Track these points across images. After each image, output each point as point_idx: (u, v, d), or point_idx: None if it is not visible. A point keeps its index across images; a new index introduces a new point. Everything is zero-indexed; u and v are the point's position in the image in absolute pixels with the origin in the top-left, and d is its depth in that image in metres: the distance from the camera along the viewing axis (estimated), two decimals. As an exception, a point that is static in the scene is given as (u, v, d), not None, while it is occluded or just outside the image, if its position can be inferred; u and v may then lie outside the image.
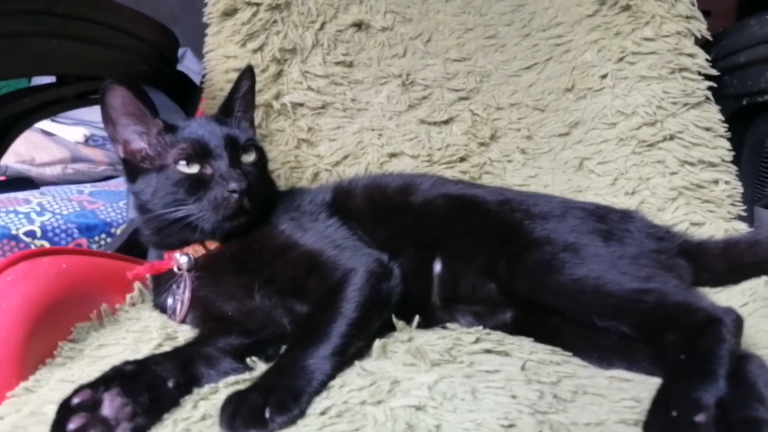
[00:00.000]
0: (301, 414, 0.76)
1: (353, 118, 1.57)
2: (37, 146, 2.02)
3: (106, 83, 1.02)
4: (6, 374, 0.80)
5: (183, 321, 1.04)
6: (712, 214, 1.37)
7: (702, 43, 1.46)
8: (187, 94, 1.67)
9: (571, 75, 1.53)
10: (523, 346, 0.94)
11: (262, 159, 1.14)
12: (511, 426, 0.72)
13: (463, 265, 1.08)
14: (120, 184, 2.02)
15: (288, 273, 1.03)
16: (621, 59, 1.49)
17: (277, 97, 1.54)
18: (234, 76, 1.49)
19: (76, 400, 0.72)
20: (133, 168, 1.08)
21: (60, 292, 0.92)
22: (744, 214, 1.39)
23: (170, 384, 0.80)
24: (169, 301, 1.06)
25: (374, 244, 1.10)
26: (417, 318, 1.01)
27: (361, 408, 0.76)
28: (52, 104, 1.17)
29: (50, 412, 0.77)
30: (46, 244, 1.64)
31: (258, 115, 1.51)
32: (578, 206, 1.11)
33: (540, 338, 0.97)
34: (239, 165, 1.06)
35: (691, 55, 1.44)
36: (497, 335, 0.98)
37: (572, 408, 0.77)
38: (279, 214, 1.11)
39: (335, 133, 1.56)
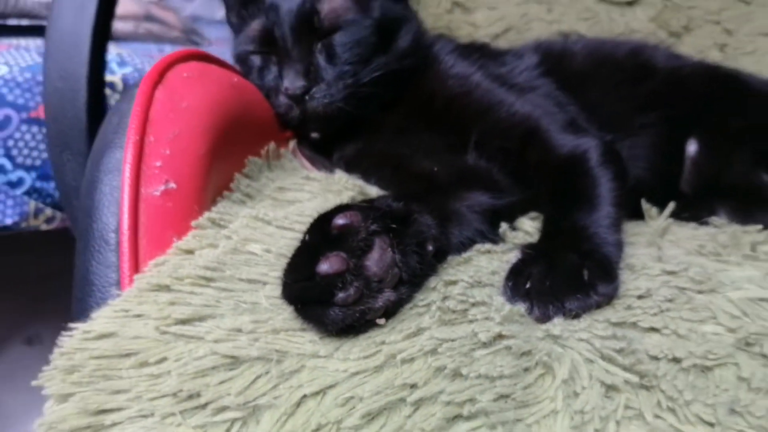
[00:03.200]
0: (617, 289, 0.54)
1: (519, -14, 1.31)
2: (111, -3, 1.76)
3: None
4: (187, 195, 0.57)
5: None
6: None
7: None
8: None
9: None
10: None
11: (364, 28, 0.84)
12: None
13: (728, 149, 0.84)
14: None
15: (496, 139, 0.80)
16: None
17: (432, -53, 1.28)
18: None
19: (340, 222, 0.48)
20: None
21: (235, 109, 0.69)
22: None
23: (430, 247, 0.55)
24: None
25: (597, 116, 0.87)
26: (671, 205, 0.77)
27: (691, 296, 0.54)
28: None
29: (259, 251, 0.55)
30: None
31: (408, -31, 1.26)
32: None
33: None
34: (308, 52, 0.81)
35: None
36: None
37: None
38: (457, 60, 0.89)
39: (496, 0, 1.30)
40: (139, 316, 0.47)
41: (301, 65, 0.79)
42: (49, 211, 1.13)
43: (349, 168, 0.81)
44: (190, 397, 0.42)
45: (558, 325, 0.49)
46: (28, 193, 1.09)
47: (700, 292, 0.55)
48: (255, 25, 0.83)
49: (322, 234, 0.48)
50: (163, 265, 0.53)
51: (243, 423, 0.41)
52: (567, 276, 0.51)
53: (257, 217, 0.60)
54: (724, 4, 1.27)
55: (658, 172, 0.85)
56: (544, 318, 0.50)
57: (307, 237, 0.49)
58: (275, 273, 0.52)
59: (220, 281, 0.51)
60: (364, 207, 0.50)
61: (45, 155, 1.08)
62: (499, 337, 0.47)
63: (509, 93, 0.84)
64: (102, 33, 0.70)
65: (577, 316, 0.50)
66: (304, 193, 0.70)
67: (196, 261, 0.53)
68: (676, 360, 0.46)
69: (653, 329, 0.49)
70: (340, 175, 0.75)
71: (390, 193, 0.72)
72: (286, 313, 0.48)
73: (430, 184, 0.74)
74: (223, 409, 0.41)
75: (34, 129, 1.07)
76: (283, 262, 0.51)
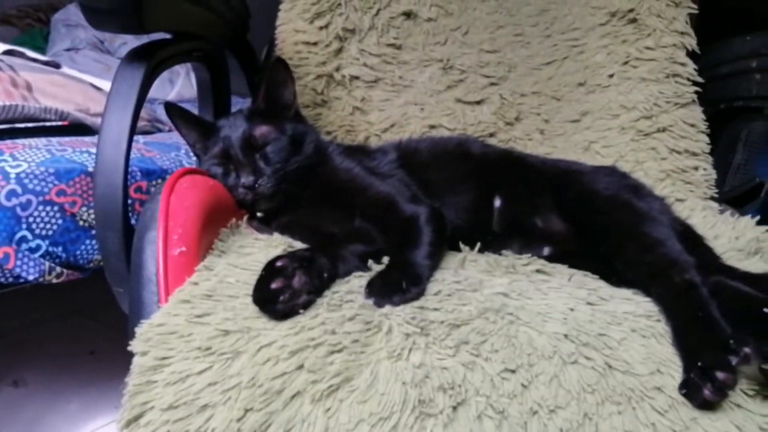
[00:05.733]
0: (424, 291, 1.04)
1: (399, 93, 1.83)
2: (90, 98, 2.21)
3: (166, 103, 1.36)
4: (192, 254, 1.04)
5: None
6: (692, 194, 1.68)
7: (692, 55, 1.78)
8: (250, 62, 1.91)
9: (583, 72, 1.81)
10: (563, 270, 1.23)
11: (283, 141, 1.33)
12: (573, 310, 1.00)
13: (515, 203, 1.37)
14: (168, 137, 2.20)
15: (370, 209, 1.29)
16: (626, 63, 1.79)
17: (337, 69, 1.79)
18: (302, 48, 1.75)
19: (279, 264, 0.97)
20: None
21: (213, 201, 1.16)
22: (716, 195, 1.71)
23: (325, 275, 1.03)
24: None
25: (434, 188, 1.38)
26: (479, 244, 1.28)
27: (462, 293, 1.04)
28: (175, 56, 1.40)
29: (233, 281, 1.03)
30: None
31: (321, 84, 1.77)
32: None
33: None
34: (252, 160, 1.29)
35: (683, 64, 1.74)
36: (541, 261, 1.26)
37: (611, 304, 1.05)
38: (344, 159, 1.39)
39: (384, 104, 1.82)
40: (176, 315, 0.94)
41: (250, 168, 1.28)
42: (58, 269, 1.54)
43: (282, 232, 1.29)
44: (207, 348, 0.89)
45: (387, 309, 0.98)
46: (43, 256, 1.48)
47: (468, 291, 1.05)
48: (216, 149, 1.32)
49: (270, 269, 0.97)
50: (183, 291, 1.00)
51: (231, 359, 0.88)
52: (394, 284, 1.01)
53: (230, 264, 1.08)
54: (542, 101, 1.82)
55: (477, 219, 1.37)
56: (380, 306, 0.99)
57: (263, 272, 0.97)
58: (243, 292, 1.00)
59: (214, 297, 0.98)
60: (290, 255, 1.00)
61: (56, 227, 1.50)
62: (357, 315, 0.95)
63: (376, 179, 1.34)
64: (128, 155, 1.18)
65: (397, 304, 0.99)
66: (255, 248, 1.18)
67: (200, 288, 1.00)
68: (442, 322, 0.95)
69: (436, 309, 0.98)
70: (276, 236, 1.24)
71: (306, 246, 1.20)
72: (250, 310, 0.95)
73: (331, 239, 1.23)
74: (222, 353, 0.88)
75: (48, 208, 1.47)
76: (247, 287, 0.99)
